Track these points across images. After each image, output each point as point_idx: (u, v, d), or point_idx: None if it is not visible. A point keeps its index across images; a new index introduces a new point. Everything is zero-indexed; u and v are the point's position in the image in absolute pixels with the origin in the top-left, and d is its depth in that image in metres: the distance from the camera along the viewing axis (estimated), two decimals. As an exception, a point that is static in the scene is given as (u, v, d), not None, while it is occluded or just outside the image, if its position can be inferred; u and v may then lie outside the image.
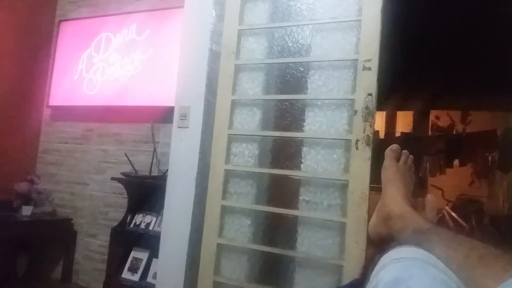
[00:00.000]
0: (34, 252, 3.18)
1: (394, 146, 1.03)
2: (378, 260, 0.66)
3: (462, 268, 0.59)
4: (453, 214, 4.57)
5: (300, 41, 1.98)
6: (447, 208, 4.73)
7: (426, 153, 5.30)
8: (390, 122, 6.15)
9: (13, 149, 3.26)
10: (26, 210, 2.98)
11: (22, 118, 3.35)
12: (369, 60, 1.74)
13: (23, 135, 3.37)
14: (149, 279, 2.56)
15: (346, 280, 1.62)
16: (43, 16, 3.52)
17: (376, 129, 2.18)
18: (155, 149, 2.84)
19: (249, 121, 2.04)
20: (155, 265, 2.51)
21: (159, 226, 2.55)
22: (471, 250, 0.61)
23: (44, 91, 3.44)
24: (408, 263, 0.60)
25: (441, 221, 4.29)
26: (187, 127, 2.05)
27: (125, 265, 2.66)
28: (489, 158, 5.09)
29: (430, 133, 5.98)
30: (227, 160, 2.01)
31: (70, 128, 3.37)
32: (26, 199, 3.01)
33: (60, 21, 3.44)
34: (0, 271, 2.75)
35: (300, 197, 1.86)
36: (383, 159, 1.03)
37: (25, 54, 3.36)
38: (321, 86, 1.89)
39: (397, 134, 6.00)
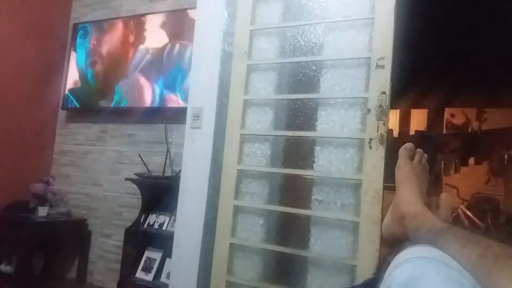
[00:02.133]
0: (50, 252, 3.22)
1: (408, 145, 1.02)
2: (392, 259, 0.66)
3: (477, 267, 0.58)
4: (468, 213, 4.51)
5: (313, 40, 1.97)
6: (462, 207, 4.67)
7: (440, 151, 5.24)
8: (404, 121, 6.09)
9: (29, 151, 3.31)
10: (42, 211, 3.02)
11: (38, 121, 3.40)
12: (382, 58, 1.73)
13: (39, 137, 3.42)
14: (163, 278, 2.57)
15: (359, 280, 1.61)
16: (58, 20, 3.56)
17: (389, 128, 2.16)
18: (168, 150, 2.85)
19: (262, 121, 2.04)
20: (169, 265, 2.53)
21: (172, 226, 2.56)
22: (486, 249, 0.60)
23: (59, 93, 3.48)
24: (422, 262, 0.60)
25: (456, 220, 4.24)
26: (200, 128, 2.06)
27: (139, 265, 2.67)
28: (506, 156, 5.00)
29: (444, 131, 5.90)
30: (240, 160, 2.02)
31: (84, 129, 3.40)
32: (42, 200, 3.05)
33: (75, 24, 3.48)
34: (17, 270, 2.79)
35: (313, 197, 1.85)
36: (397, 158, 1.02)
37: (41, 57, 3.40)
38: (334, 85, 1.88)
39: (411, 133, 5.94)
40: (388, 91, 1.70)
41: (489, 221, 4.43)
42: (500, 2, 2.82)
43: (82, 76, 3.32)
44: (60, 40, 3.55)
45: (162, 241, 2.58)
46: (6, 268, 2.93)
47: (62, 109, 3.46)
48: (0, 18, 3.08)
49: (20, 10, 3.21)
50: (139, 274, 2.65)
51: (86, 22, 3.43)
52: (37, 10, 3.35)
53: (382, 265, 0.72)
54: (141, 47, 3.07)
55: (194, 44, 2.18)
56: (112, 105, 3.14)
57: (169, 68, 2.91)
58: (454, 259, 0.61)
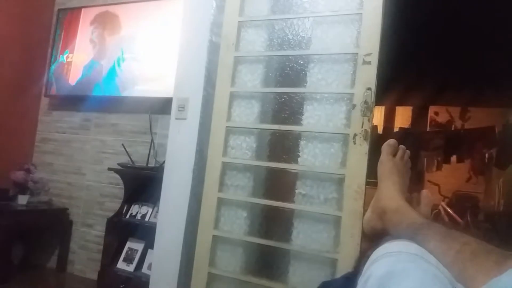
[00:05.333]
0: (30, 241, 3.18)
1: (391, 141, 1.03)
2: (371, 253, 0.66)
3: (455, 262, 0.59)
4: (449, 209, 4.57)
5: (301, 34, 1.97)
6: (443, 203, 4.74)
7: (423, 148, 5.30)
8: (389, 117, 6.14)
9: (10, 138, 3.25)
10: (22, 199, 2.97)
11: (19, 107, 3.33)
12: (369, 54, 1.74)
13: (20, 124, 3.36)
14: (144, 269, 2.57)
15: (340, 273, 1.63)
16: (42, 5, 3.49)
17: (374, 124, 2.18)
18: (152, 140, 2.83)
19: (248, 113, 2.03)
20: (150, 256, 2.52)
21: (155, 217, 2.55)
22: (464, 245, 0.61)
23: (42, 80, 3.42)
24: (400, 257, 0.60)
25: (436, 217, 4.31)
26: (185, 119, 2.04)
27: (120, 256, 2.66)
28: (486, 155, 5.09)
29: (428, 128, 5.98)
30: (225, 153, 2.01)
31: (68, 117, 3.35)
32: (22, 188, 3.01)
33: (60, 10, 3.42)
34: (-4, 259, 2.76)
35: (297, 191, 1.86)
36: (380, 153, 1.03)
37: (24, 43, 3.33)
38: (321, 80, 1.88)
39: (396, 129, 6.00)
40: (373, 87, 1.71)
41: (468, 218, 4.51)
42: (487, 1, 2.85)
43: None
44: (44, 25, 3.48)
45: (144, 232, 2.57)
46: (-16, 256, 2.89)
47: (45, 96, 3.41)
48: (-18, 1, 3.01)
49: (3, -6, 3.14)
50: (120, 264, 2.63)
51: (71, 8, 3.37)
52: (21, -6, 3.28)
53: (362, 259, 0.73)
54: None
55: (181, 34, 2.16)
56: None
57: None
58: (432, 254, 0.62)
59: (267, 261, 1.89)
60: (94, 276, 2.87)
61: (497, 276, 0.50)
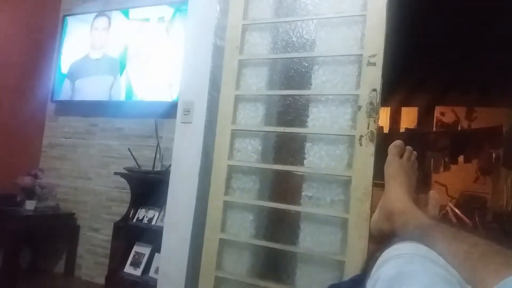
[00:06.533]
0: (38, 246, 3.20)
1: (398, 142, 1.02)
2: (379, 256, 0.66)
3: (463, 264, 0.58)
4: (457, 210, 4.55)
5: (305, 36, 1.97)
6: (450, 204, 4.71)
7: (430, 149, 5.28)
8: (395, 118, 6.12)
9: (17, 143, 3.27)
10: (30, 204, 2.99)
11: (26, 113, 3.35)
12: (374, 56, 1.73)
13: (27, 130, 3.38)
14: (151, 273, 2.57)
15: (347, 276, 1.62)
16: (48, 11, 3.52)
17: (380, 125, 2.17)
18: (158, 144, 2.84)
19: (253, 116, 2.03)
20: (157, 260, 2.52)
21: (161, 221, 2.54)
22: (472, 246, 0.60)
23: (48, 85, 3.44)
24: (409, 259, 0.60)
25: (444, 218, 4.28)
26: (191, 122, 2.04)
27: (127, 260, 2.66)
28: (493, 155, 5.06)
29: (434, 129, 5.95)
30: (230, 156, 2.01)
31: (74, 122, 3.37)
32: (30, 193, 3.02)
33: (65, 16, 3.44)
34: (4, 264, 2.76)
35: (303, 193, 1.86)
36: (386, 155, 1.02)
37: (30, 49, 3.36)
38: (325, 82, 1.88)
39: (402, 130, 5.97)
40: (379, 89, 1.70)
41: (476, 219, 4.48)
42: (491, 2, 2.84)
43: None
44: (50, 31, 3.51)
45: (151, 236, 2.57)
46: (-7, 261, 2.90)
47: (51, 101, 3.43)
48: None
49: (8, 2, 3.16)
50: (128, 269, 2.64)
51: (76, 14, 3.39)
52: (27, 1, 3.30)
53: (370, 261, 0.72)
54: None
55: (186, 38, 2.16)
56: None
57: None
58: (440, 256, 0.61)
59: (274, 264, 1.88)
60: (101, 280, 2.88)
61: (507, 278, 0.50)
